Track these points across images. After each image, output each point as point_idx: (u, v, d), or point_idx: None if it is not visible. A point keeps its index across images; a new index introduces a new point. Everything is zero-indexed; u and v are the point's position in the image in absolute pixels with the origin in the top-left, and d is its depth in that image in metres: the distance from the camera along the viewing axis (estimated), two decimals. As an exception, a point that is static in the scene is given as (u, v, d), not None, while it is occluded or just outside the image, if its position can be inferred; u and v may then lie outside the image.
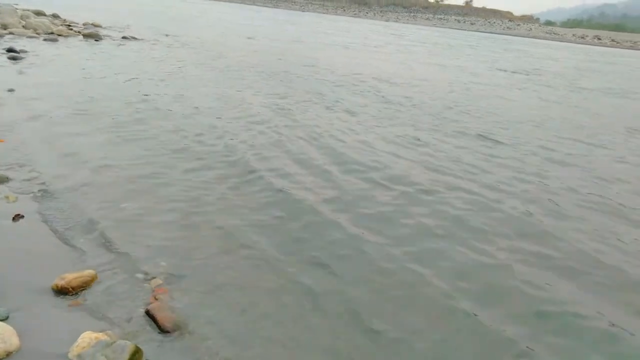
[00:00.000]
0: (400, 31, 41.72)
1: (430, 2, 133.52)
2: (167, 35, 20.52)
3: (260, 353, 2.75)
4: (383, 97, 11.45)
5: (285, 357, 2.75)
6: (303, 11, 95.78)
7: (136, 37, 18.15)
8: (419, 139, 7.77)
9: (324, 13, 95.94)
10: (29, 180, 4.59)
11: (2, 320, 2.48)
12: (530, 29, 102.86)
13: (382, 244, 4.15)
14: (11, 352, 2.31)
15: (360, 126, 8.28)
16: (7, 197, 4.12)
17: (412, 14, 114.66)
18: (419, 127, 8.67)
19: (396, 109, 10.10)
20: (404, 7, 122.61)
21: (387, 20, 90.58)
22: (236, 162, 5.83)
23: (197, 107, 8.36)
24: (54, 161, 5.19)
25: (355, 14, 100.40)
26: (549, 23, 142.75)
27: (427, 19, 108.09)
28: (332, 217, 4.56)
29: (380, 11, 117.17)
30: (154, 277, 3.29)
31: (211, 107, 8.55)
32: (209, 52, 16.62)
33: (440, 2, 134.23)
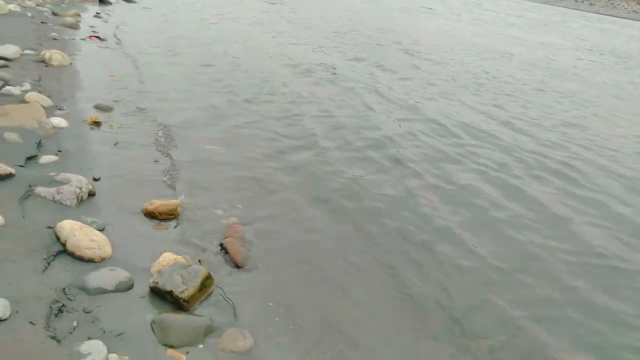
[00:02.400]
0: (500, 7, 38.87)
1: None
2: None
3: (318, 298, 2.87)
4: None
5: (339, 308, 2.85)
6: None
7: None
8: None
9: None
10: (134, 112, 5.01)
11: (99, 230, 2.79)
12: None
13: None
14: (104, 259, 2.61)
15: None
16: (111, 126, 4.54)
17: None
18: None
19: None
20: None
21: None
22: (326, 118, 5.92)
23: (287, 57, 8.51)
24: (153, 98, 5.59)
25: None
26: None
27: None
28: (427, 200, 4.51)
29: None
30: (230, 216, 3.50)
31: (297, 61, 8.66)
32: (300, 13, 16.65)
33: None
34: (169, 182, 3.81)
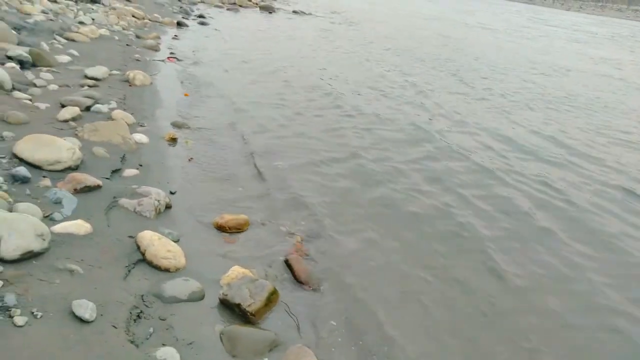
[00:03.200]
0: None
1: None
2: (334, 12, 21.26)
3: (381, 320, 2.84)
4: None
5: (403, 331, 2.81)
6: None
7: (305, 11, 19.16)
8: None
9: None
10: (207, 129, 5.29)
11: (175, 241, 2.96)
12: None
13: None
14: (179, 269, 2.76)
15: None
16: (186, 142, 4.81)
17: (599, 4, 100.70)
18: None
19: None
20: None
21: (568, 9, 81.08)
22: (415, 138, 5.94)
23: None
24: (227, 116, 5.87)
25: (531, 0, 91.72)
26: None
27: (619, 10, 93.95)
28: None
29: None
30: (295, 233, 3.58)
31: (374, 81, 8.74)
32: (362, 32, 16.83)
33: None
34: (238, 198, 3.97)
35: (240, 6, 17.58)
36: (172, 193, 3.68)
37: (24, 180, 2.92)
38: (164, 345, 2.17)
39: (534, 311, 3.18)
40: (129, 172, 3.72)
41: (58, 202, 2.86)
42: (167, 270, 2.71)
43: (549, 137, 7.02)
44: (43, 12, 7.87)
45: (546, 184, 5.23)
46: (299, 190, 4.30)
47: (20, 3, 7.73)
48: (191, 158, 4.50)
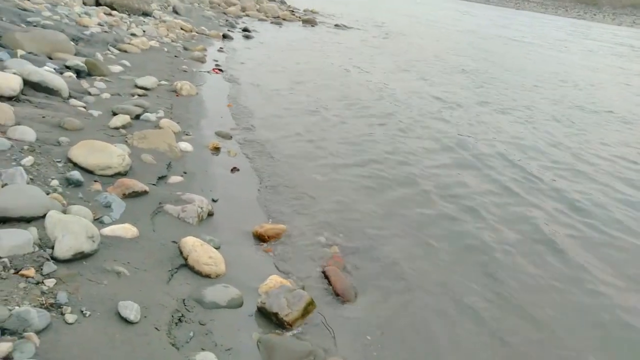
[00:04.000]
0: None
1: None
2: (375, 25, 21.35)
3: (417, 337, 2.79)
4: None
5: (438, 349, 2.75)
6: (518, 9, 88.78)
7: (346, 25, 19.33)
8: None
9: (542, 12, 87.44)
10: (249, 140, 5.40)
11: (216, 248, 3.02)
12: None
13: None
14: (219, 275, 2.81)
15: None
16: (229, 152, 4.93)
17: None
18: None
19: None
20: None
21: (619, 25, 78.04)
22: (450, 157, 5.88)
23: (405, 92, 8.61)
24: (266, 128, 5.98)
25: (579, 15, 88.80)
26: None
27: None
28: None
29: (613, 13, 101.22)
30: (333, 244, 3.59)
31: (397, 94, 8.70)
32: (402, 44, 16.78)
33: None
34: (277, 208, 4.01)
35: (284, 19, 17.92)
36: (214, 201, 3.76)
37: (77, 184, 3.07)
38: (203, 349, 2.22)
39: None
40: (174, 179, 3.84)
41: (108, 206, 2.98)
42: (207, 276, 2.77)
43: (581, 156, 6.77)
44: (99, 24, 8.30)
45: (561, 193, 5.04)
46: (338, 202, 4.31)
47: (79, 16, 8.19)
48: (234, 168, 4.59)
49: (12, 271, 2.10)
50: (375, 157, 5.55)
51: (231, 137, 5.35)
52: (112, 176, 3.39)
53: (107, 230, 2.71)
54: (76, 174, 3.11)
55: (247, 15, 17.30)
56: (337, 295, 3.02)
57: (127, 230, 2.79)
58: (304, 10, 21.95)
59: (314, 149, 5.54)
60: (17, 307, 1.88)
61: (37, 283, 2.10)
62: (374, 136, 6.34)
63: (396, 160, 5.53)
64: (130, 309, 2.15)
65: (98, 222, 2.80)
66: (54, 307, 2.03)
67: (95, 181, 3.25)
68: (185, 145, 4.54)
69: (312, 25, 17.72)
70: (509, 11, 69.99)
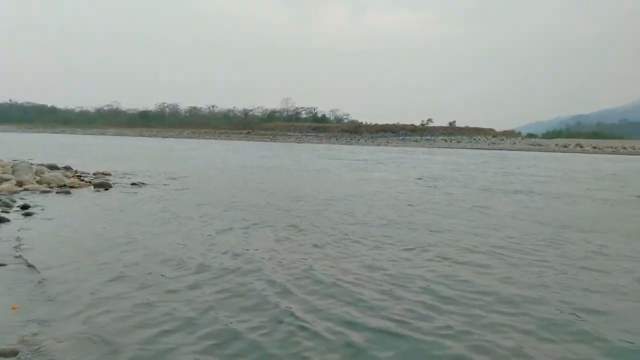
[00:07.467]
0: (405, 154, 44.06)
1: (416, 126, 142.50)
2: (170, 178, 21.52)
3: None
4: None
5: None
6: (299, 142, 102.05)
7: (144, 182, 19.08)
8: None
9: (318, 142, 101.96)
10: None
11: None
12: (515, 142, 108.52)
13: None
14: None
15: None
16: None
17: (400, 138, 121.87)
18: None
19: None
20: (393, 132, 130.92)
21: (378, 145, 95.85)
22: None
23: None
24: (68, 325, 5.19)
25: (347, 141, 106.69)
26: (530, 136, 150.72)
27: (416, 140, 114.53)
28: None
29: (371, 137, 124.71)
30: None
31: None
32: (208, 196, 17.35)
33: (426, 125, 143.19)
34: None
35: (72, 187, 16.73)
36: None
37: None
38: None
39: None
40: None
41: None
42: None
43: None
44: None
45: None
46: None
47: None
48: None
49: None
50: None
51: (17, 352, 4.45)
52: None
53: None
54: None
55: (26, 189, 15.65)
56: None
57: None
58: (94, 174, 21.01)
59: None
60: None
61: None
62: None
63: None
64: None
65: None
66: None
67: None
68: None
69: (105, 189, 16.95)
70: (294, 146, 79.18)
